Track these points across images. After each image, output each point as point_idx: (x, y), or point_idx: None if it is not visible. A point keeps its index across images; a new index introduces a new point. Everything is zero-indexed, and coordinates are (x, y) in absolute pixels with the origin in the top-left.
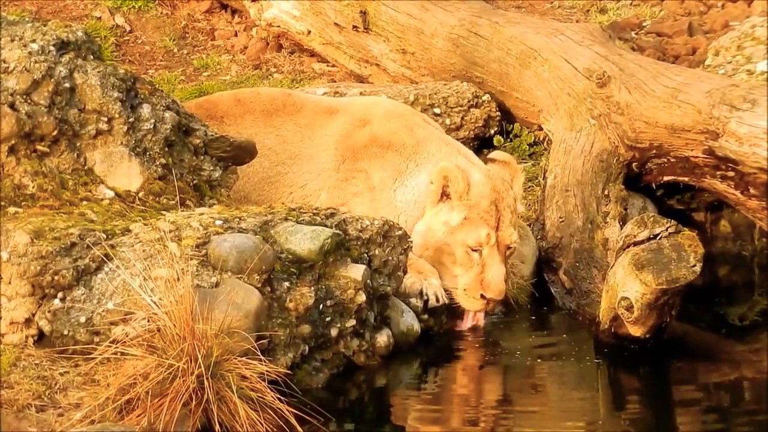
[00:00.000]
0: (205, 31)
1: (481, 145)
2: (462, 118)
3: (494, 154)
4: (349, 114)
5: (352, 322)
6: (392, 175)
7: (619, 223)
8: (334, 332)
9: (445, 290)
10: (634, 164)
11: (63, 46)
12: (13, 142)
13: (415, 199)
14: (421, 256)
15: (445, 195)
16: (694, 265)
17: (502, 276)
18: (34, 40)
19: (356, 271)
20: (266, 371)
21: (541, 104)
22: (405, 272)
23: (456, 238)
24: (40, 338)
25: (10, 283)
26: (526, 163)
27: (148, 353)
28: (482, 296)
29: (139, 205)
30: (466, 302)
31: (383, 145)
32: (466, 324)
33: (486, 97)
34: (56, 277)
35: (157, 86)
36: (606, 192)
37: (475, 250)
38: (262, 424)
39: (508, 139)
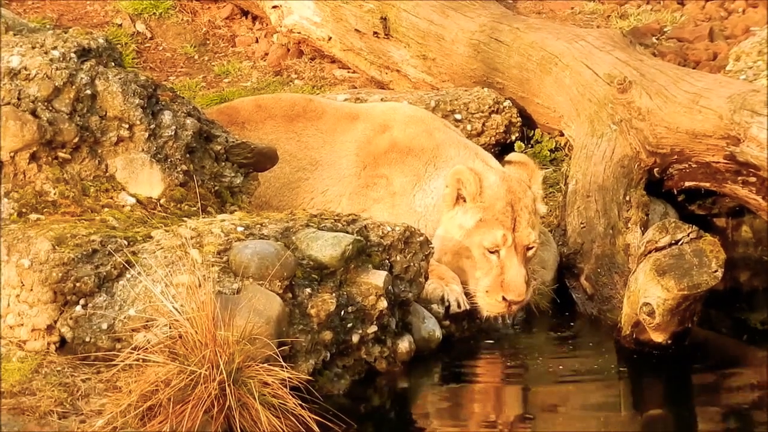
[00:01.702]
0: (226, 37)
1: (502, 151)
2: (483, 124)
3: (511, 156)
4: (370, 120)
5: (373, 329)
6: (412, 180)
7: (641, 228)
8: (355, 338)
9: (467, 295)
10: (655, 170)
11: (84, 53)
12: (34, 149)
13: (434, 203)
14: (441, 261)
15: (460, 198)
16: (716, 271)
17: (522, 277)
18: (55, 47)
19: (378, 278)
20: (288, 377)
21: (562, 110)
22: (426, 278)
23: (473, 240)
24: (62, 345)
25: (31, 290)
26: (547, 168)
27: (169, 360)
28: (503, 298)
29: (161, 212)
30: (487, 305)
31: (403, 151)
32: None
33: (507, 103)
34: (78, 284)
35: (178, 93)
36: (627, 198)
37: (493, 252)
38: (283, 431)
39: (529, 145)
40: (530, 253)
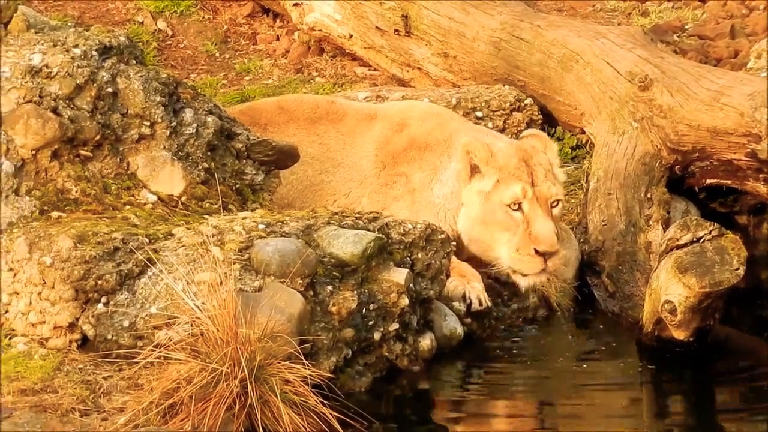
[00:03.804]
0: (247, 35)
1: None
2: (504, 122)
3: (525, 132)
4: (387, 119)
5: (395, 326)
6: (430, 174)
7: (662, 226)
8: (377, 336)
9: (498, 274)
10: (676, 167)
11: (105, 50)
12: (56, 146)
13: (450, 190)
14: (469, 244)
15: (474, 170)
16: (737, 268)
17: (551, 227)
18: (76, 45)
19: (399, 275)
20: (309, 375)
21: (583, 107)
22: (448, 276)
23: (493, 202)
24: (84, 343)
25: (53, 287)
26: (568, 166)
27: (191, 357)
28: (536, 251)
29: (182, 210)
30: (521, 265)
31: (421, 147)
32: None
33: (528, 101)
34: (100, 282)
35: (199, 90)
36: (649, 195)
37: (516, 210)
38: (305, 428)
39: None
40: (555, 210)
